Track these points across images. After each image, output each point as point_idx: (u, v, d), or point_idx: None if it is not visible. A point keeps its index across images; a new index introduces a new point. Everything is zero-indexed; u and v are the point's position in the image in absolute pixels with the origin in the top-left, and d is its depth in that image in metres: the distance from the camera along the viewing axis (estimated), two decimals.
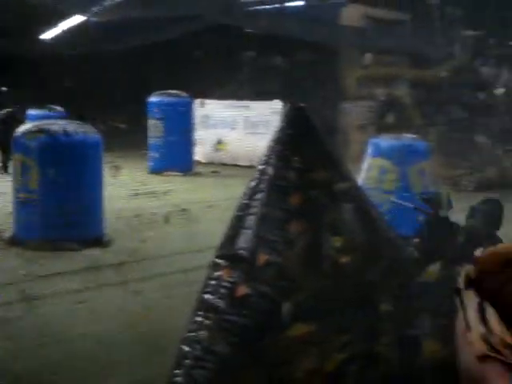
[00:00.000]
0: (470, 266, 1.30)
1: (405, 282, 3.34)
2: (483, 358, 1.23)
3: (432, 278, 3.47)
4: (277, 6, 19.52)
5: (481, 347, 1.23)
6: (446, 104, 15.31)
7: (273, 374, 3.10)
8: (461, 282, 1.31)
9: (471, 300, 1.26)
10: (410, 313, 3.28)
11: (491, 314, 1.22)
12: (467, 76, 15.37)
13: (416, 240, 5.25)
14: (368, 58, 17.81)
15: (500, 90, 14.86)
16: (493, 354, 1.22)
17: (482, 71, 15.42)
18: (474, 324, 1.24)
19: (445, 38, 15.69)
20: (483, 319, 1.23)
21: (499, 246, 1.32)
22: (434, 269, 3.50)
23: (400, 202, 7.54)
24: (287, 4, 19.73)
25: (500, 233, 4.91)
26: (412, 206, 6.43)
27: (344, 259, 3.21)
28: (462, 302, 1.28)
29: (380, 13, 18.75)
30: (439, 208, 5.19)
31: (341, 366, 3.10)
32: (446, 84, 15.26)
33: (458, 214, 5.16)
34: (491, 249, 1.31)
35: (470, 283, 1.27)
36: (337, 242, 3.23)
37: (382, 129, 14.25)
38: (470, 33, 16.49)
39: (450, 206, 5.32)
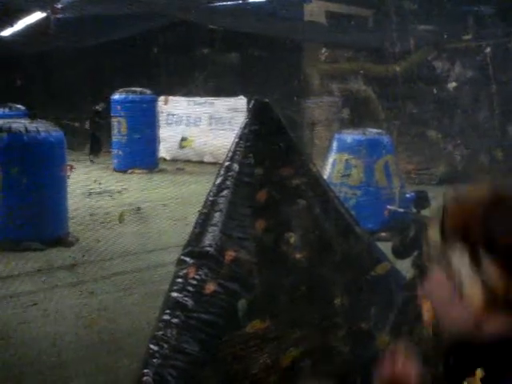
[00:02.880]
0: (440, 210, 1.14)
1: (357, 276, 3.36)
2: (485, 310, 1.10)
3: (384, 272, 3.48)
4: (239, 2, 19.49)
5: (479, 300, 1.09)
6: (406, 98, 15.45)
7: (230, 370, 3.09)
8: (434, 233, 1.14)
9: (458, 253, 1.10)
10: (362, 307, 3.30)
11: (490, 263, 1.06)
12: (423, 70, 15.53)
13: (397, 239, 5.44)
14: (331, 53, 17.89)
15: (452, 84, 15.03)
16: (497, 304, 1.08)
17: (435, 65, 15.58)
18: (469, 277, 1.09)
19: (404, 33, 15.85)
20: (479, 269, 1.07)
21: (470, 187, 1.17)
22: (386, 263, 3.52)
23: (394, 208, 7.73)
24: (249, 0, 19.71)
25: None
26: (403, 210, 6.61)
27: (298, 255, 3.22)
28: (442, 258, 1.12)
29: (342, 8, 18.82)
30: (422, 207, 5.43)
31: (296, 360, 3.11)
32: (408, 78, 15.40)
33: None
34: (466, 188, 1.16)
35: (452, 233, 1.11)
36: (291, 238, 3.24)
37: (347, 123, 14.31)
38: (425, 27, 16.71)
39: (428, 203, 5.57)
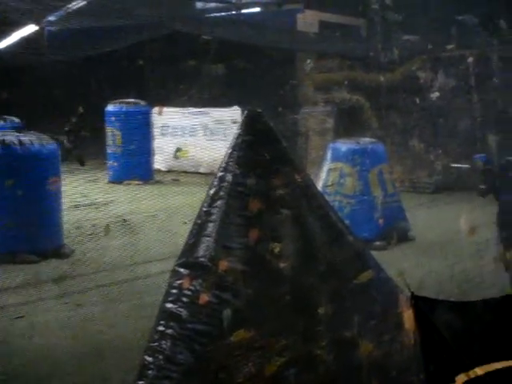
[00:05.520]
0: None
1: (341, 285, 3.37)
2: None
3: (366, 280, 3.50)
4: (233, 12, 19.59)
5: None
6: (396, 108, 15.52)
7: (215, 380, 3.10)
8: None
9: None
10: (345, 315, 3.31)
11: None
12: (408, 80, 15.58)
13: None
14: (317, 63, 17.94)
15: (436, 94, 15.08)
16: None
17: (419, 75, 15.62)
18: None
19: (394, 43, 15.96)
20: None
21: None
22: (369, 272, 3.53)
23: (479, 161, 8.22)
24: (243, 11, 19.81)
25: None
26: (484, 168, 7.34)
27: (282, 264, 3.24)
28: None
29: (334, 18, 18.90)
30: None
31: (280, 369, 3.12)
32: (399, 88, 15.47)
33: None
34: None
35: None
36: (276, 248, 3.25)
37: (340, 133, 14.34)
38: (409, 37, 16.82)
39: None
